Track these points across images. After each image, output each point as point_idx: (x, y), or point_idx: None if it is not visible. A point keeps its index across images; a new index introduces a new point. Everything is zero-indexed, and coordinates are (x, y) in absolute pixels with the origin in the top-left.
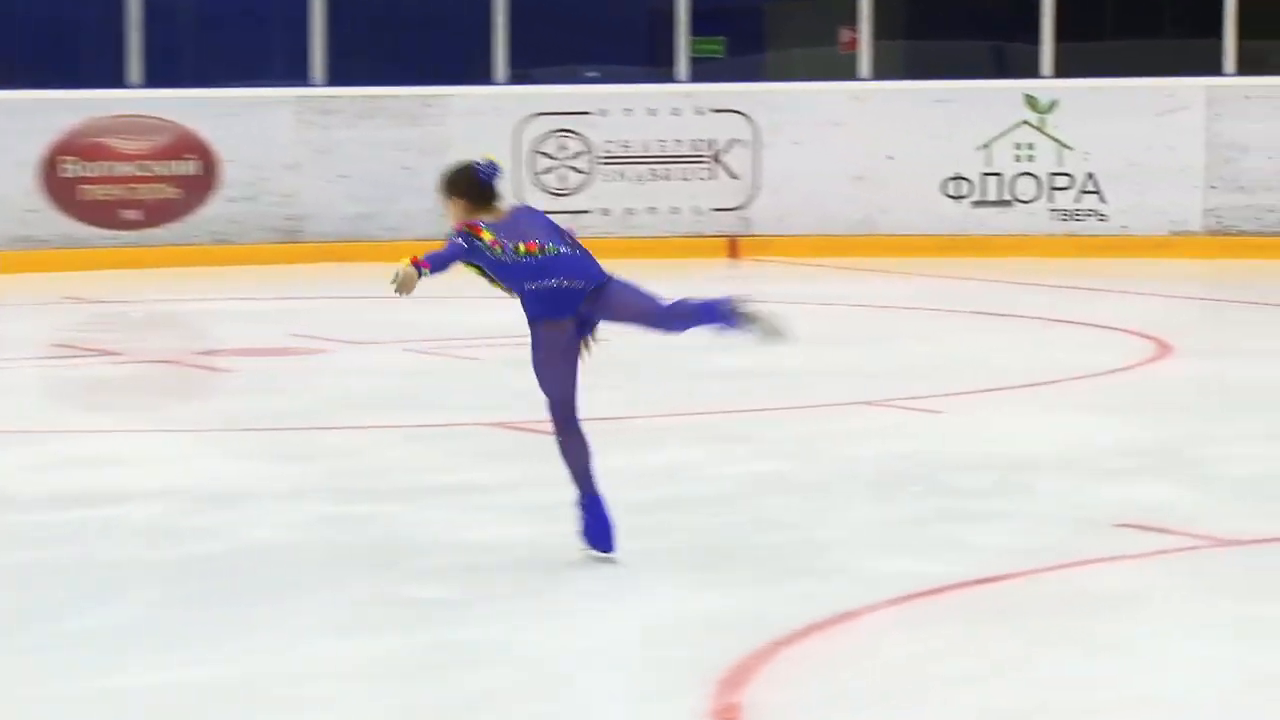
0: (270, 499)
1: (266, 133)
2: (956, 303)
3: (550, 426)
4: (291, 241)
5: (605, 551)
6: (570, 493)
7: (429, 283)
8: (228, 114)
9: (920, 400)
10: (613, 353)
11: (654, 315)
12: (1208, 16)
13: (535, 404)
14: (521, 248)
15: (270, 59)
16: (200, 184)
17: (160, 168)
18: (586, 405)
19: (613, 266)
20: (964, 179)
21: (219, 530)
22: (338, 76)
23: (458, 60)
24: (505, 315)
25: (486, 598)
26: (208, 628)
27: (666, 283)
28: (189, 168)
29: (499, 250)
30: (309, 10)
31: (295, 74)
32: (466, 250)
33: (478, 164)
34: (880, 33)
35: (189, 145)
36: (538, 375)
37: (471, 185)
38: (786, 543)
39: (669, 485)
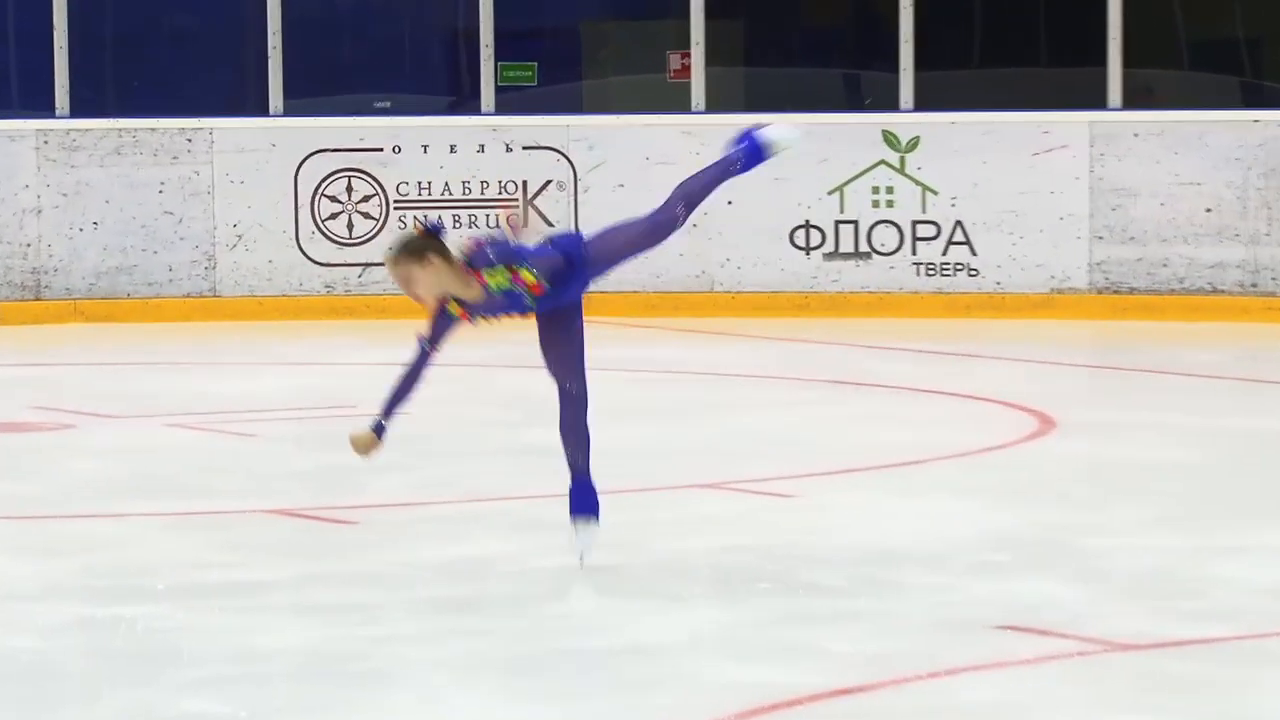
0: (14, 600)
1: (2, 172)
2: (808, 370)
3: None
4: (33, 299)
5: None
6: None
7: (193, 352)
8: None
9: (767, 483)
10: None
11: (649, 233)
12: (1090, 42)
13: (320, 488)
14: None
15: (4, 86)
16: None
17: None
18: (373, 489)
19: (410, 328)
20: (814, 228)
21: None
22: (84, 107)
23: (224, 87)
24: (285, 382)
25: (264, 713)
26: None
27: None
28: None
29: (480, 295)
30: (51, 27)
31: (34, 103)
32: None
33: (422, 223)
34: (715, 58)
35: None
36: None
37: (434, 239)
38: (611, 648)
39: (474, 582)
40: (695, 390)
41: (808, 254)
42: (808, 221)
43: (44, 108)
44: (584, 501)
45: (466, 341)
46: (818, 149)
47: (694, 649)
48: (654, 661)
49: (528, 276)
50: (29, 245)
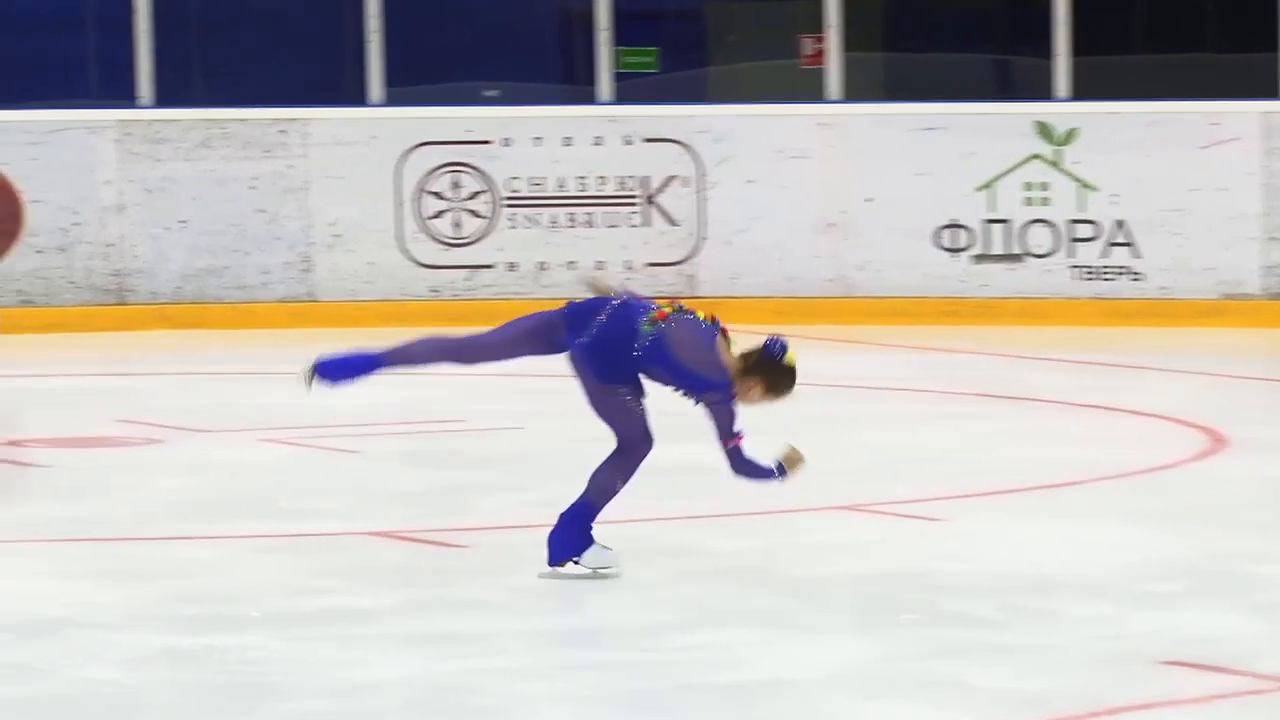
0: (98, 628)
1: (82, 166)
2: (955, 382)
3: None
4: (116, 303)
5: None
6: None
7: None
8: (31, 142)
9: (911, 505)
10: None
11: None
12: (1263, 26)
13: (427, 509)
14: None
15: (84, 72)
16: None
17: None
18: (484, 510)
19: None
20: (962, 227)
21: (33, 669)
22: (169, 95)
23: (321, 75)
24: (388, 395)
25: None
26: None
27: None
28: None
29: None
30: (132, 11)
31: (116, 92)
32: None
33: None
34: (853, 42)
35: None
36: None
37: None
38: (741, 683)
39: (592, 611)
40: (830, 404)
41: (954, 256)
42: (954, 220)
43: (125, 96)
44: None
45: None
46: (964, 142)
47: (831, 684)
48: (788, 698)
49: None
50: (111, 246)
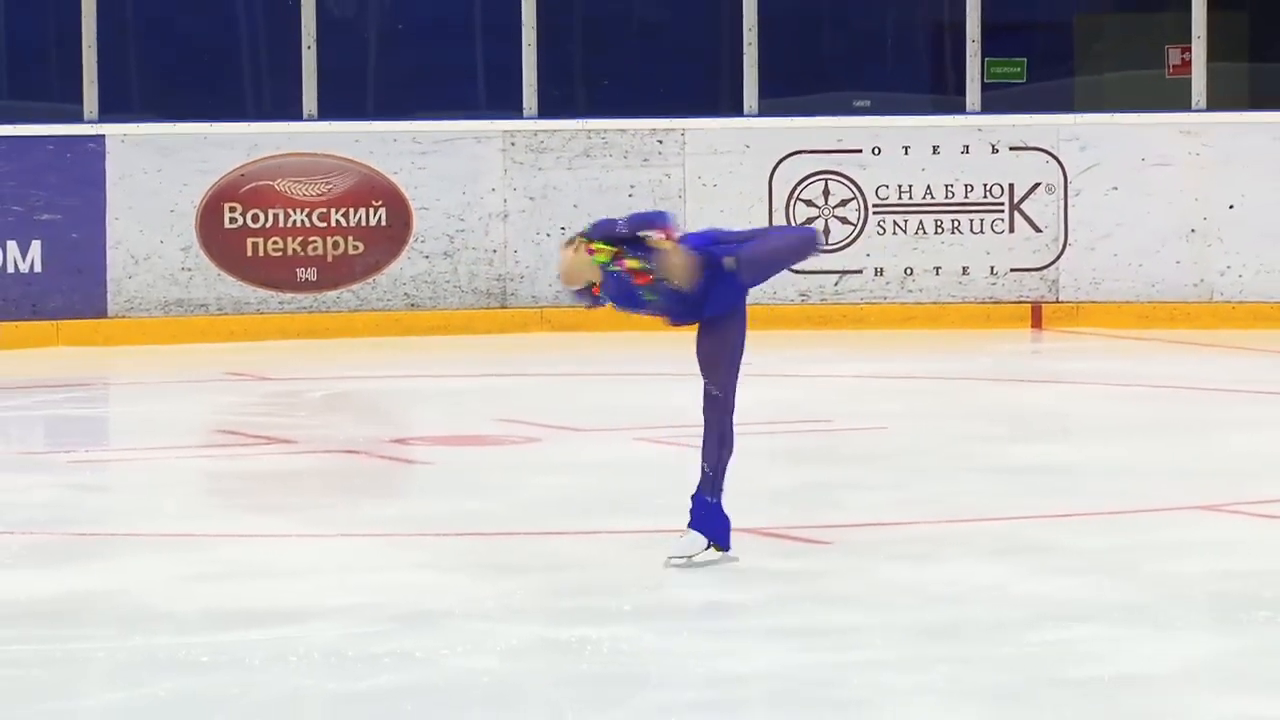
0: (477, 619)
1: (468, 175)
2: None
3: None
4: (499, 306)
5: (725, 549)
6: None
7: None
8: (421, 152)
9: (1268, 505)
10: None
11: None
12: None
13: (794, 506)
14: None
15: (471, 85)
16: (388, 237)
17: (340, 217)
18: (850, 507)
19: (889, 339)
20: None
21: (415, 657)
22: (552, 107)
23: (698, 86)
24: (758, 395)
25: None
26: None
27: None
28: (374, 217)
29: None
30: (519, 25)
31: (502, 103)
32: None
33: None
34: (1218, 53)
35: (374, 190)
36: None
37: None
38: (1100, 677)
39: (953, 606)
40: (1190, 406)
41: None
42: None
43: (511, 107)
44: (695, 514)
45: (944, 353)
46: None
47: (1189, 679)
48: (1146, 692)
49: (632, 264)
50: (494, 251)
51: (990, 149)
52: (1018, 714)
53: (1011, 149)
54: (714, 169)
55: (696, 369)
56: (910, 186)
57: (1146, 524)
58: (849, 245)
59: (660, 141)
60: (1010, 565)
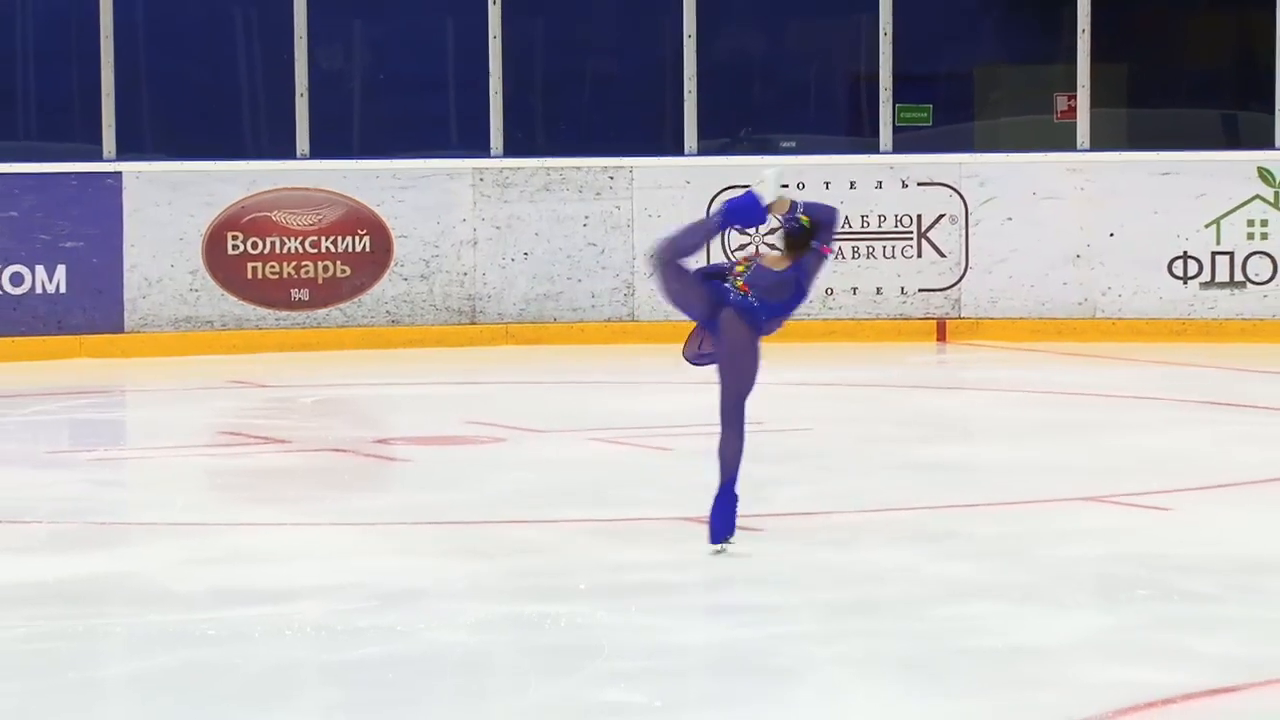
0: (450, 598)
1: (442, 207)
2: (1185, 392)
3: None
4: (469, 323)
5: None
6: None
7: (614, 372)
8: (401, 187)
9: (1145, 496)
10: (807, 444)
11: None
12: None
13: None
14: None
15: (444, 128)
16: (372, 261)
17: (330, 244)
18: (778, 500)
19: (813, 351)
20: (1192, 258)
21: (395, 631)
22: (516, 147)
23: (644, 129)
24: (698, 400)
25: (679, 704)
26: None
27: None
28: (360, 244)
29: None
30: (487, 76)
31: (471, 144)
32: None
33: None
34: (1100, 100)
35: (360, 220)
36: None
37: None
38: (999, 648)
39: (870, 585)
40: (1078, 410)
41: (1185, 283)
42: (1185, 252)
43: (480, 148)
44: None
45: (861, 364)
46: (1196, 184)
47: (1076, 650)
48: (1039, 661)
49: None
50: (465, 274)
51: (900, 184)
52: (926, 680)
53: (919, 184)
54: (658, 201)
55: (648, 378)
56: None
57: (1038, 513)
58: None
59: (611, 178)
60: (920, 550)
